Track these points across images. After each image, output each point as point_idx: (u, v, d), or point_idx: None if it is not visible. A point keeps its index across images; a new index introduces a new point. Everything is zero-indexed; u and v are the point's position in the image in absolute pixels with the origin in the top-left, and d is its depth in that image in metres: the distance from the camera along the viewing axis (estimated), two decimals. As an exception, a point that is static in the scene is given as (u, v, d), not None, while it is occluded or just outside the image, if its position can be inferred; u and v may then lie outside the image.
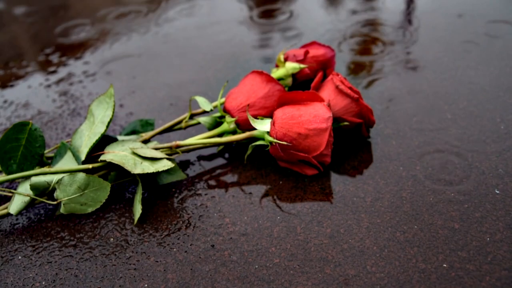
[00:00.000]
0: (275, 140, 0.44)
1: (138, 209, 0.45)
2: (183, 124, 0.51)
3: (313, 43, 0.56)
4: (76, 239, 0.45)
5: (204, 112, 0.52)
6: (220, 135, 0.50)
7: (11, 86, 0.70)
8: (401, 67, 0.62)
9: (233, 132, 0.50)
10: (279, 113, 0.46)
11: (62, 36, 0.81)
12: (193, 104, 0.57)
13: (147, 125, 0.54)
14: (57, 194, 0.44)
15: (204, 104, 0.50)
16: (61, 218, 0.47)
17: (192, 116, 0.52)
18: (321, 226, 0.43)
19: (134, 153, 0.46)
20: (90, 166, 0.45)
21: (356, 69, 0.63)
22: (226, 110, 0.50)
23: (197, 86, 0.64)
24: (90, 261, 0.42)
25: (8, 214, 0.47)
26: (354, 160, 0.49)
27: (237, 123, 0.49)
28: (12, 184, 0.52)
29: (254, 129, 0.47)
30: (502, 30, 0.67)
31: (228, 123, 0.49)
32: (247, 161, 0.50)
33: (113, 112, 0.48)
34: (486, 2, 0.74)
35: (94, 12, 0.89)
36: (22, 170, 0.47)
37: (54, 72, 0.71)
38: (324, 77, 0.55)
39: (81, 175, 0.44)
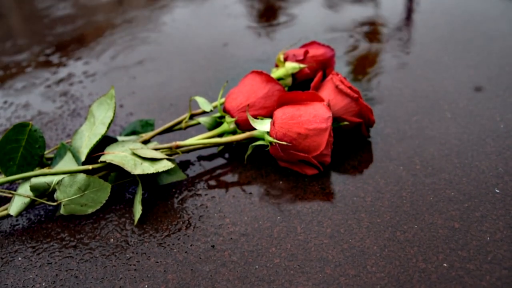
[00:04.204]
0: (275, 140, 0.44)
1: (138, 210, 0.45)
2: (183, 125, 0.51)
3: (312, 43, 0.56)
4: (76, 240, 0.45)
5: (204, 112, 0.52)
6: (220, 135, 0.50)
7: (11, 86, 0.70)
8: (401, 66, 0.62)
9: (233, 132, 0.50)
10: (279, 113, 0.46)
11: (61, 35, 0.81)
12: (193, 104, 0.57)
13: (147, 125, 0.54)
14: (57, 195, 0.44)
15: (204, 104, 0.50)
16: (61, 219, 0.47)
17: (192, 116, 0.52)
18: (321, 226, 0.43)
19: (134, 154, 0.46)
20: (90, 167, 0.45)
21: (356, 68, 0.63)
22: (226, 110, 0.50)
23: (197, 86, 0.63)
24: (90, 262, 0.42)
25: (8, 215, 0.47)
26: (354, 160, 0.49)
27: (237, 123, 0.49)
28: (12, 185, 0.52)
29: (254, 129, 0.47)
30: (502, 29, 0.67)
31: (228, 123, 0.49)
32: (247, 161, 0.50)
33: (114, 114, 0.48)
34: (486, 1, 0.74)
35: (94, 12, 0.89)
36: (22, 171, 0.47)
37: (54, 72, 0.71)
38: (324, 76, 0.55)
39: (82, 176, 0.44)
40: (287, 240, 0.42)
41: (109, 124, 0.47)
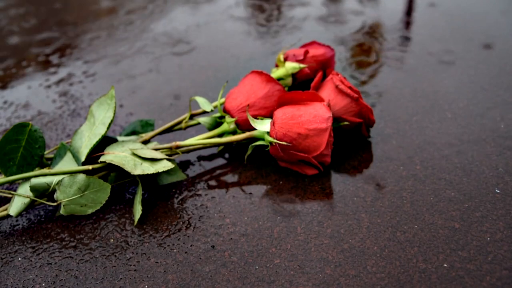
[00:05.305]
0: (275, 141, 0.44)
1: (138, 210, 0.45)
2: (183, 125, 0.51)
3: (312, 43, 0.56)
4: (76, 240, 0.45)
5: (204, 112, 0.52)
6: (220, 135, 0.50)
7: (11, 86, 0.70)
8: (401, 66, 0.62)
9: (233, 133, 0.50)
10: (279, 113, 0.46)
11: (61, 36, 0.81)
12: (193, 104, 0.57)
13: (147, 125, 0.54)
14: (57, 195, 0.44)
15: (204, 104, 0.50)
16: (61, 219, 0.47)
17: (192, 117, 0.52)
18: (321, 226, 0.43)
19: (134, 154, 0.46)
20: (90, 167, 0.45)
21: (356, 68, 0.63)
22: (226, 110, 0.50)
23: (197, 86, 0.63)
24: (90, 262, 0.42)
25: (8, 216, 0.47)
26: (354, 160, 0.49)
27: (237, 123, 0.49)
28: (12, 186, 0.52)
29: (254, 129, 0.47)
30: (502, 29, 0.66)
31: (228, 123, 0.49)
32: (247, 161, 0.50)
33: (114, 114, 0.48)
34: (487, 1, 0.74)
35: (93, 12, 0.89)
36: (22, 172, 0.47)
37: (54, 72, 0.71)
38: (324, 76, 0.55)
39: (82, 176, 0.44)
40: (287, 240, 0.42)
41: (109, 125, 0.47)
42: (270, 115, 0.49)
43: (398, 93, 0.57)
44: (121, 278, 0.41)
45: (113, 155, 0.46)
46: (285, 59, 0.54)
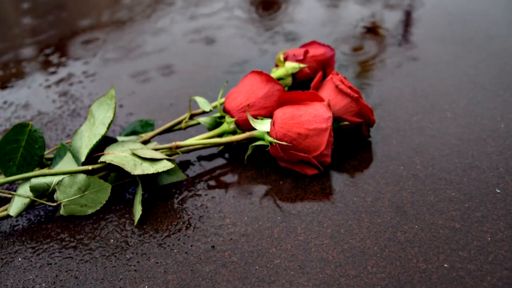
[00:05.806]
0: (275, 141, 0.44)
1: (138, 210, 0.45)
2: (183, 125, 0.51)
3: (312, 43, 0.56)
4: (76, 240, 0.45)
5: (204, 112, 0.52)
6: (220, 135, 0.50)
7: (11, 86, 0.70)
8: (401, 66, 0.62)
9: (233, 133, 0.50)
10: (279, 113, 0.46)
11: (61, 36, 0.81)
12: (193, 104, 0.57)
13: (147, 125, 0.54)
14: (57, 195, 0.44)
15: (204, 104, 0.50)
16: (61, 220, 0.47)
17: (192, 117, 0.52)
18: (321, 226, 0.43)
19: (134, 154, 0.46)
20: (90, 167, 0.45)
21: (356, 68, 0.62)
22: (226, 110, 0.50)
23: (197, 86, 0.63)
24: (90, 262, 0.42)
25: (8, 216, 0.47)
26: (354, 160, 0.49)
27: (237, 123, 0.49)
28: (12, 186, 0.52)
29: (254, 129, 0.47)
30: (502, 29, 0.66)
31: (228, 123, 0.49)
32: (247, 161, 0.50)
33: (114, 114, 0.48)
34: (486, 1, 0.74)
35: (94, 12, 0.89)
36: (22, 172, 0.47)
37: (54, 72, 0.71)
38: (324, 76, 0.55)
39: (82, 177, 0.44)
40: (288, 241, 0.42)
41: (109, 125, 0.47)
42: (270, 115, 0.49)
43: (398, 93, 0.57)
44: (121, 279, 0.41)
45: (113, 155, 0.46)
46: (285, 59, 0.54)
